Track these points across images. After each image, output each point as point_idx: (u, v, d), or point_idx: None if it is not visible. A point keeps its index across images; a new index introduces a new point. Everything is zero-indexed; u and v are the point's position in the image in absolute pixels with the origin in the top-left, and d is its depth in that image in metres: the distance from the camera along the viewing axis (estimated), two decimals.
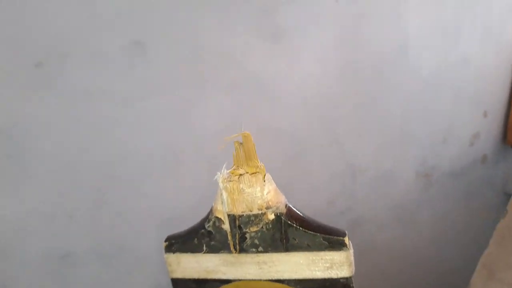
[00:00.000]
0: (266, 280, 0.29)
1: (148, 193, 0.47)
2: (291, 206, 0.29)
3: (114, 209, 0.45)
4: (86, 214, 0.43)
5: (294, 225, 0.28)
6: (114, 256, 0.46)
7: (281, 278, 0.29)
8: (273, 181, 0.28)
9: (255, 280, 0.30)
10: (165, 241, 0.31)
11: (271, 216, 0.28)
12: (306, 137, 0.58)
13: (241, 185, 0.28)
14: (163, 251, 0.31)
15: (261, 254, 0.29)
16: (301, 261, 0.28)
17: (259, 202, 0.28)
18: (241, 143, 0.28)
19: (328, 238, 0.28)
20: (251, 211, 0.28)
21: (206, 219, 0.30)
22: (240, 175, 0.28)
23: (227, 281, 0.30)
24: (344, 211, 0.64)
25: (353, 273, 0.28)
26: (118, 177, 0.45)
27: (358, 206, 0.66)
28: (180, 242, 0.30)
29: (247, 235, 0.29)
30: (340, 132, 0.60)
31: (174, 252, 0.31)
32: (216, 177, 0.28)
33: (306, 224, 0.28)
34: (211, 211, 0.29)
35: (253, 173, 0.28)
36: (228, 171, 0.28)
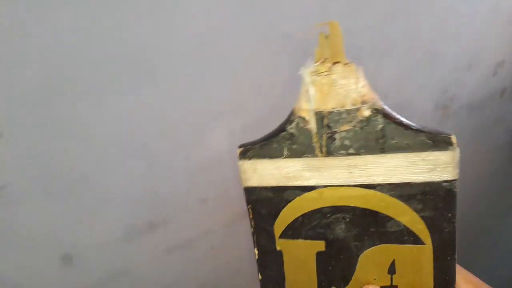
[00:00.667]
0: (354, 186, 0.26)
1: (115, 111, 0.34)
2: (386, 106, 0.25)
3: (66, 127, 0.32)
4: (20, 134, 0.30)
5: (393, 123, 0.24)
6: (71, 191, 0.35)
7: (373, 182, 0.26)
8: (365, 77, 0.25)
9: (342, 186, 0.26)
10: (239, 147, 0.28)
11: (367, 112, 0.25)
12: None
13: (333, 76, 0.24)
14: (237, 158, 0.28)
15: (351, 157, 0.26)
16: (399, 163, 0.25)
17: (353, 95, 0.24)
18: (327, 35, 0.24)
19: (433, 137, 0.24)
20: (343, 106, 0.25)
21: (287, 121, 0.27)
22: (333, 63, 0.24)
23: (309, 188, 0.27)
24: None
25: (458, 176, 0.24)
26: (68, 83, 0.31)
27: None
28: (257, 148, 0.28)
29: (336, 136, 0.26)
30: (362, 47, 0.49)
31: (250, 158, 0.28)
32: (300, 71, 0.25)
33: (406, 123, 0.25)
34: (292, 113, 0.26)
35: (346, 63, 0.24)
36: (315, 64, 0.25)
